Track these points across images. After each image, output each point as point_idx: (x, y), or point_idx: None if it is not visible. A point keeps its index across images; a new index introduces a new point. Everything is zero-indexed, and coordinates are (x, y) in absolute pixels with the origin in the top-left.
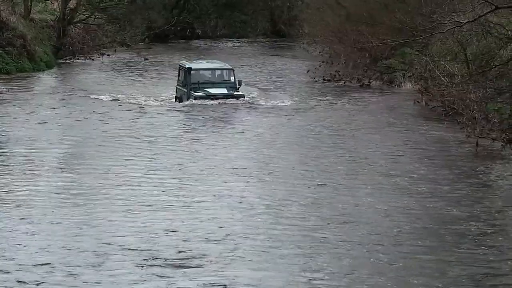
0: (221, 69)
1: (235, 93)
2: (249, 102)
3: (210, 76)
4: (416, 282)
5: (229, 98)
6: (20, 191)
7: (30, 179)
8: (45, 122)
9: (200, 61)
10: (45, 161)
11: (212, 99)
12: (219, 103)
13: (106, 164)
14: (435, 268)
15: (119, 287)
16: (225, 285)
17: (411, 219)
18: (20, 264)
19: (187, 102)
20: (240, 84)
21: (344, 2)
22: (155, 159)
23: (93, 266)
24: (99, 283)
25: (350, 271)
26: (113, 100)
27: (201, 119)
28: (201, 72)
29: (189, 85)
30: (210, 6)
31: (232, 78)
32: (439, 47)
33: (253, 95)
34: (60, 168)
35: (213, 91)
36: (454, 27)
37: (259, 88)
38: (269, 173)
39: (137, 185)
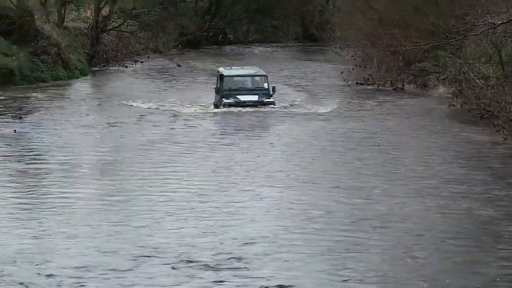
0: (254, 76)
1: (265, 100)
2: (281, 108)
3: (243, 82)
4: (452, 282)
5: (258, 105)
6: (60, 196)
7: (69, 184)
8: (83, 128)
9: (236, 68)
10: (84, 167)
11: (242, 106)
12: (251, 110)
13: (143, 169)
14: (471, 268)
15: None
16: (262, 286)
17: (447, 220)
18: (60, 267)
19: (218, 110)
20: (274, 91)
21: (376, 5)
22: (191, 164)
23: (130, 269)
24: (137, 285)
25: (386, 272)
26: (148, 107)
27: (235, 126)
28: (234, 79)
29: (221, 92)
30: (242, 11)
31: (265, 85)
32: (473, 49)
33: (287, 101)
34: (99, 174)
35: (243, 98)
36: (488, 29)
37: (292, 94)
38: (304, 177)
39: (174, 190)
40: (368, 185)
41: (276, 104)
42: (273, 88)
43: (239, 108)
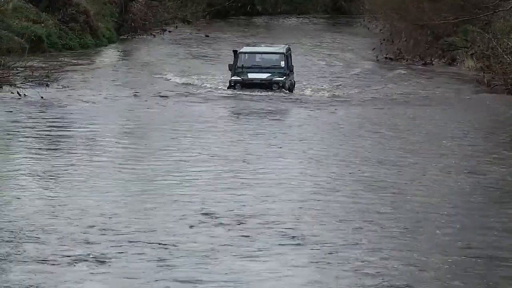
0: (270, 53)
1: (275, 78)
2: (287, 93)
3: (258, 60)
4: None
5: (267, 84)
6: (85, 165)
7: (92, 154)
8: (105, 99)
9: (256, 46)
10: (107, 137)
11: (248, 84)
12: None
13: (159, 145)
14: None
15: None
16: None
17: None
18: (85, 227)
19: (225, 91)
20: (291, 70)
21: None
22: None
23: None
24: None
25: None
26: (169, 80)
27: (251, 106)
28: (247, 55)
29: (233, 70)
30: None
31: (282, 63)
32: (502, 25)
33: (307, 81)
34: (120, 144)
35: (252, 75)
36: None
37: (316, 71)
38: (329, 156)
39: (189, 168)
40: (398, 163)
41: (286, 84)
42: (290, 67)
43: (248, 89)
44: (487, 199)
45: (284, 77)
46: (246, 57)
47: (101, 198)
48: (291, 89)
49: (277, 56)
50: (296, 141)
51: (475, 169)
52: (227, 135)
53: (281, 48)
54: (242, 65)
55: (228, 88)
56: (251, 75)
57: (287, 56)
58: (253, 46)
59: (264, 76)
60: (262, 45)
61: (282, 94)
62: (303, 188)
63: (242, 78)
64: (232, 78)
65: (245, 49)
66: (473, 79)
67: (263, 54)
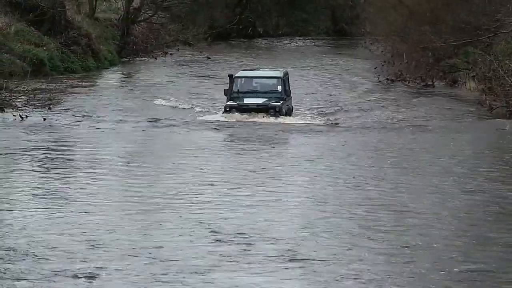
0: (266, 78)
1: (271, 103)
2: (294, 112)
3: (254, 85)
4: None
5: (263, 109)
6: (87, 185)
7: (94, 176)
8: (102, 123)
9: (254, 70)
10: (107, 161)
11: (244, 109)
12: (252, 114)
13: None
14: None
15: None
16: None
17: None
18: (88, 243)
19: (220, 116)
20: (288, 95)
21: (407, 0)
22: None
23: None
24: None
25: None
26: (167, 105)
27: (239, 136)
28: (243, 80)
29: (229, 94)
30: (272, 4)
31: (279, 88)
32: (503, 47)
33: (306, 104)
34: (120, 170)
35: (247, 100)
36: None
37: (318, 93)
38: (330, 177)
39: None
40: (402, 184)
41: (283, 110)
42: (287, 92)
43: (244, 114)
44: (490, 217)
45: (281, 102)
46: (242, 82)
47: (104, 216)
48: (288, 114)
49: (273, 81)
50: (294, 164)
51: (478, 188)
52: (223, 160)
53: (278, 72)
54: (238, 90)
55: (223, 113)
56: (247, 100)
57: (284, 80)
58: (249, 70)
59: (260, 101)
60: (259, 69)
61: (279, 119)
62: (303, 208)
63: (237, 103)
64: (228, 103)
65: (241, 73)
66: (474, 101)
67: (259, 79)
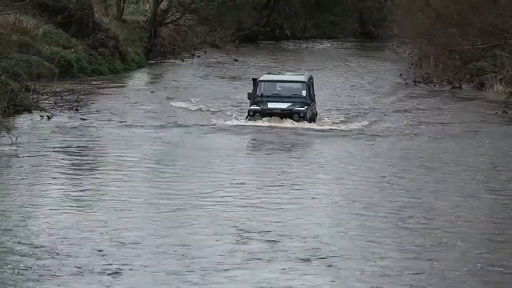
0: (291, 82)
1: (296, 108)
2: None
3: (278, 89)
4: None
5: (287, 114)
6: (116, 186)
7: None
8: (127, 127)
9: (278, 74)
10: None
11: (268, 114)
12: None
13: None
14: None
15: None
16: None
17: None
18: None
19: (243, 121)
20: (313, 99)
21: (434, 3)
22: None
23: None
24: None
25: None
26: (193, 109)
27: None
28: (267, 84)
29: (252, 99)
30: (300, 6)
31: (303, 92)
32: None
33: (331, 110)
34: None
35: (271, 105)
36: None
37: (342, 99)
38: (359, 177)
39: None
40: (422, 189)
41: (307, 115)
42: (312, 97)
43: (267, 118)
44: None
45: (306, 107)
46: (266, 86)
47: (131, 215)
48: (313, 119)
49: (298, 85)
50: (319, 167)
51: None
52: (247, 164)
53: (302, 77)
54: (262, 94)
55: (246, 118)
56: (270, 105)
57: (309, 84)
58: (274, 74)
59: (284, 106)
60: (283, 73)
61: (304, 124)
62: (331, 208)
63: (261, 108)
64: (251, 107)
65: (265, 77)
66: (501, 105)
67: (283, 83)
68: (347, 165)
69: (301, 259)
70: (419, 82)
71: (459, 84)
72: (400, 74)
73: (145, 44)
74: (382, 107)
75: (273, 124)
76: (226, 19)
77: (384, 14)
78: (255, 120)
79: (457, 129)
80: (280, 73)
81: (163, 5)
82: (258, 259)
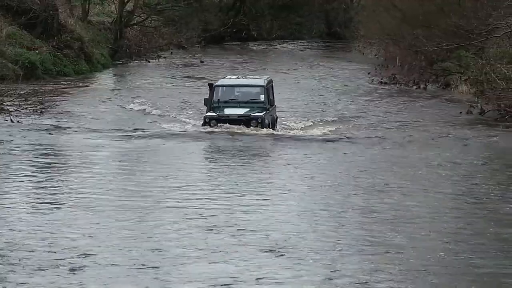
0: (248, 86)
1: (253, 114)
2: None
3: (236, 94)
4: None
5: (245, 120)
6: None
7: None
8: (90, 132)
9: (237, 78)
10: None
11: (224, 120)
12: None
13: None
14: None
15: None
16: None
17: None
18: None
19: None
20: (271, 104)
21: (400, 4)
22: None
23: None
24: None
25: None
26: (153, 113)
27: (227, 142)
28: (224, 89)
29: (209, 105)
30: (266, 8)
31: (261, 97)
32: (495, 50)
33: (294, 116)
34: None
35: (228, 111)
36: (510, 31)
37: (307, 102)
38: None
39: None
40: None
41: (265, 121)
42: (271, 101)
43: (224, 124)
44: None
45: (264, 112)
46: (223, 91)
47: (96, 212)
48: (272, 124)
49: (256, 89)
50: (279, 172)
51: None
52: (203, 172)
53: (260, 80)
54: (218, 99)
55: (202, 125)
56: (227, 111)
57: (268, 88)
58: (232, 78)
59: (242, 111)
60: (242, 77)
61: (263, 131)
62: (294, 210)
63: (217, 114)
64: (207, 114)
65: (222, 82)
66: (466, 105)
67: (241, 87)
68: (304, 170)
69: (265, 251)
70: (385, 83)
71: (425, 84)
72: (368, 73)
73: (110, 46)
74: (347, 109)
75: (229, 130)
76: (192, 20)
77: (351, 15)
78: (212, 127)
79: (421, 130)
80: (238, 77)
81: (129, 6)
82: (222, 251)
